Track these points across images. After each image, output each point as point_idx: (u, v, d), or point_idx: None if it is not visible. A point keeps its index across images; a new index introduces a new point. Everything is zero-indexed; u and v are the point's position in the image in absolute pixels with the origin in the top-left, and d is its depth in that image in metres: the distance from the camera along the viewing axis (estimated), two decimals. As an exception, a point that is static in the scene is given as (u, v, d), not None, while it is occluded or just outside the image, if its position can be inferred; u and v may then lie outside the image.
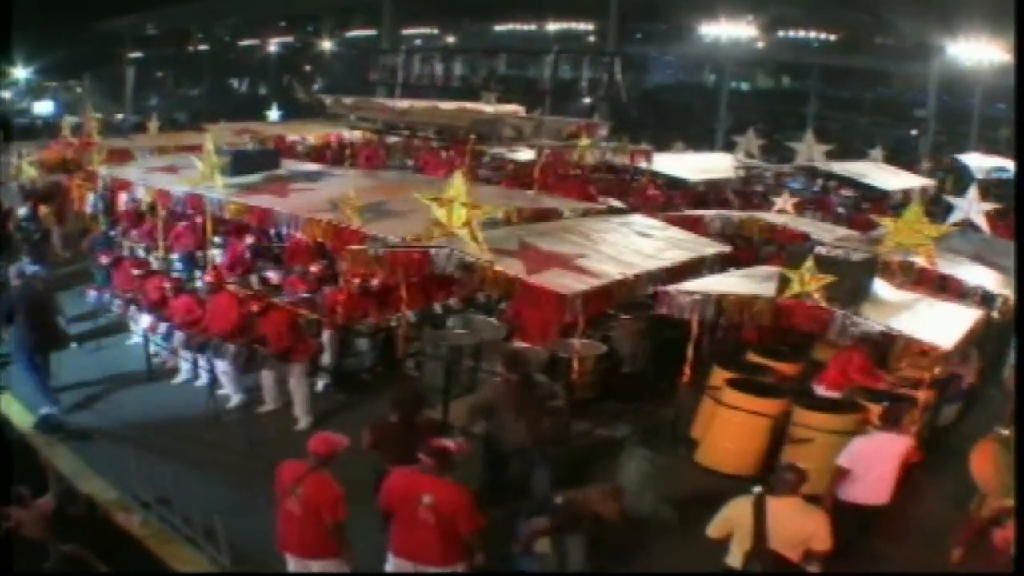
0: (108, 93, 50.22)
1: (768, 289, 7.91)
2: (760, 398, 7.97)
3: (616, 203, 15.80)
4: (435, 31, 44.48)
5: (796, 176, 20.61)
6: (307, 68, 52.48)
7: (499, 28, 42.16)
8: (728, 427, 8.02)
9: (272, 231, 13.09)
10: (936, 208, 17.89)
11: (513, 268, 8.10)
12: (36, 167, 16.77)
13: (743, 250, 12.80)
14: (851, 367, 8.39)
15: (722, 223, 12.17)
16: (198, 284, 10.91)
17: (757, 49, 38.20)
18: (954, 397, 9.28)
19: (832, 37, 35.23)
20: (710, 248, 10.17)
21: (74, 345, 11.45)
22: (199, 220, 12.42)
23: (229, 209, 10.96)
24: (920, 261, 9.58)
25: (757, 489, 5.68)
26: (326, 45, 46.52)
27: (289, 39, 49.25)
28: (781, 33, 35.91)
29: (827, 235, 12.19)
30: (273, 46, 49.68)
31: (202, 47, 51.95)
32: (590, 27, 40.27)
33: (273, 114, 22.78)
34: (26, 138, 27.02)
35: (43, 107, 46.04)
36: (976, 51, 27.66)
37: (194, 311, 10.27)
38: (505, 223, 10.09)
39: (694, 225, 12.25)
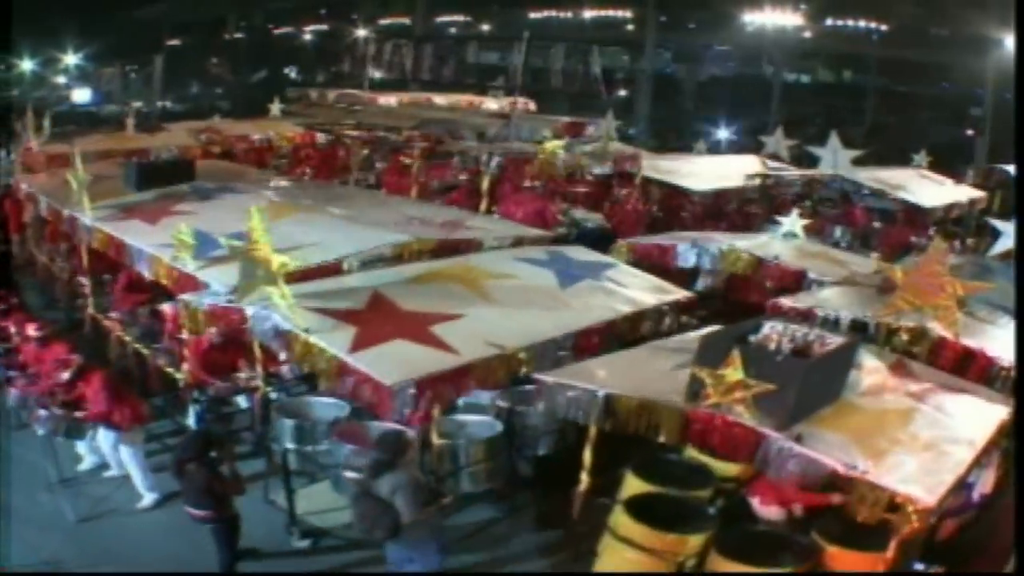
0: (150, 81, 49.54)
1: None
2: (664, 532, 5.49)
3: (598, 218, 13.54)
4: (469, 19, 42.42)
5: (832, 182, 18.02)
6: (360, 56, 50.86)
7: (534, 15, 39.92)
8: (622, 565, 5.67)
9: None
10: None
11: (336, 339, 5.98)
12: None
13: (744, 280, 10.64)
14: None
15: (697, 255, 9.92)
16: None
17: (813, 40, 35.18)
18: (958, 511, 6.77)
19: (885, 27, 31.93)
20: (656, 297, 7.74)
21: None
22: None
23: (96, 238, 9.33)
24: (939, 329, 6.97)
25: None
26: (360, 33, 44.77)
27: (324, 27, 47.63)
28: (831, 22, 32.80)
29: (834, 271, 9.82)
30: (309, 34, 48.25)
31: (244, 35, 50.69)
32: (628, 15, 37.67)
33: (275, 108, 20.94)
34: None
35: (81, 95, 45.08)
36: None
37: (41, 361, 8.50)
38: (395, 260, 8.12)
39: (662, 256, 10.09)
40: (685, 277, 11.00)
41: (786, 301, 7.78)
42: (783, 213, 16.80)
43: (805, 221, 12.51)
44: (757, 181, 15.89)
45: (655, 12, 33.22)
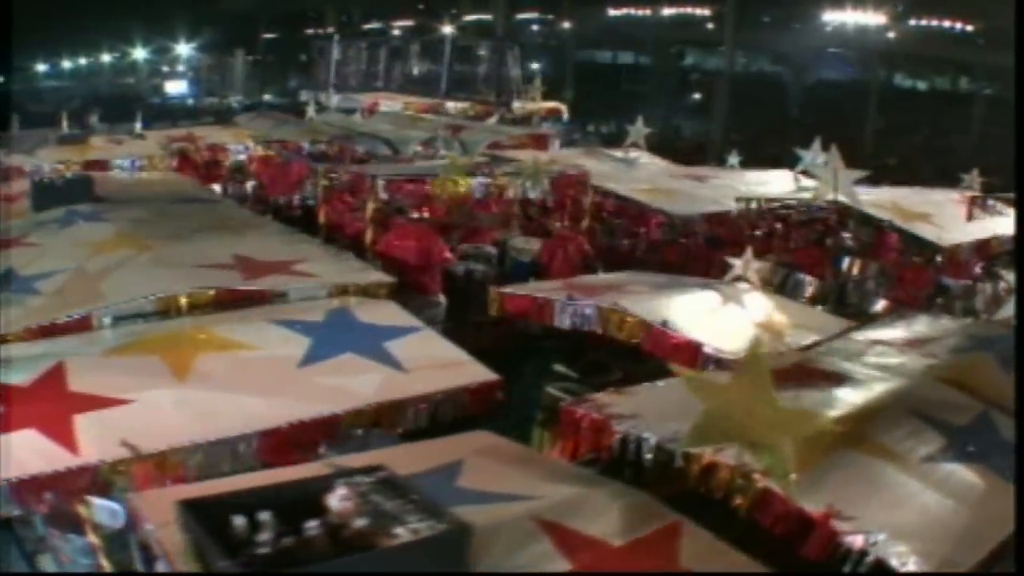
0: (250, 74, 50.33)
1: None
2: None
3: (534, 244, 11.79)
4: (549, 16, 40.82)
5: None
6: (480, 52, 49.98)
7: (614, 13, 37.93)
8: None
9: None
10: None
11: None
12: None
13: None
14: None
15: (572, 315, 8.19)
16: None
17: (914, 43, 31.81)
18: None
19: (974, 28, 28.34)
20: (438, 382, 5.87)
21: None
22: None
23: None
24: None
25: None
26: (447, 30, 43.88)
27: (410, 23, 47.04)
28: (935, 24, 29.41)
29: (749, 338, 7.73)
30: (397, 30, 47.79)
31: (335, 30, 50.82)
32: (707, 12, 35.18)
33: (311, 111, 20.34)
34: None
35: (176, 87, 46.14)
36: None
37: None
38: (163, 314, 6.96)
39: (540, 313, 8.43)
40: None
41: (596, 397, 5.74)
42: (828, 236, 14.56)
43: (760, 264, 10.36)
44: (754, 204, 13.69)
45: (733, 10, 30.73)
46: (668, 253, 14.46)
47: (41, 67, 49.09)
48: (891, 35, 29.24)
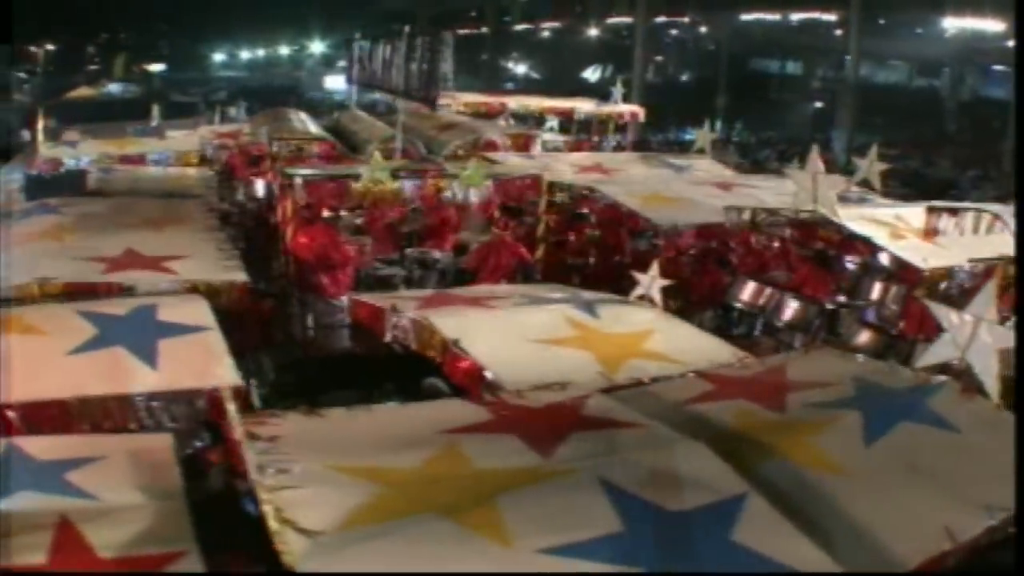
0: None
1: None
2: None
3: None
4: (683, 19, 40.02)
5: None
6: (658, 58, 49.71)
7: (745, 17, 36.69)
8: None
9: None
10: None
11: None
12: None
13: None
14: None
15: (393, 328, 8.40)
16: None
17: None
18: None
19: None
20: (171, 381, 6.31)
21: None
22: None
23: None
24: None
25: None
26: (593, 33, 44.09)
27: (556, 24, 47.35)
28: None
29: (579, 374, 6.70)
30: (547, 31, 48.34)
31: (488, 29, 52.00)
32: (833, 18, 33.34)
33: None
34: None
35: (335, 82, 48.20)
36: None
37: None
38: (17, 302, 7.87)
39: (373, 321, 8.81)
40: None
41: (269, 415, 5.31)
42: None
43: (666, 282, 8.93)
44: (746, 215, 12.97)
45: (858, 17, 29.09)
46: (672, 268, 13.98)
47: (219, 57, 53.26)
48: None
